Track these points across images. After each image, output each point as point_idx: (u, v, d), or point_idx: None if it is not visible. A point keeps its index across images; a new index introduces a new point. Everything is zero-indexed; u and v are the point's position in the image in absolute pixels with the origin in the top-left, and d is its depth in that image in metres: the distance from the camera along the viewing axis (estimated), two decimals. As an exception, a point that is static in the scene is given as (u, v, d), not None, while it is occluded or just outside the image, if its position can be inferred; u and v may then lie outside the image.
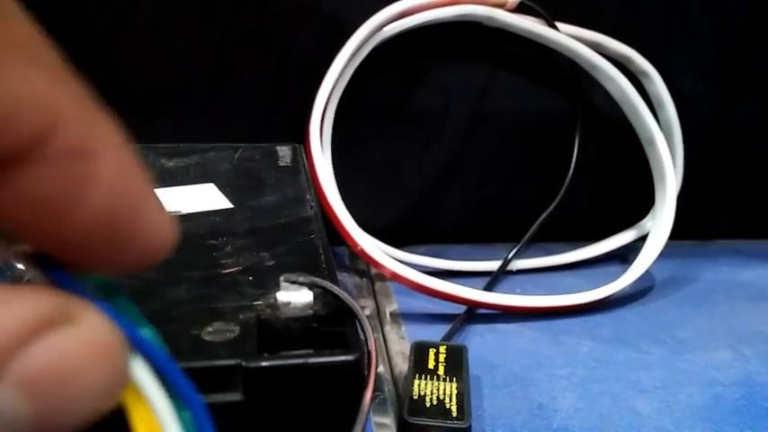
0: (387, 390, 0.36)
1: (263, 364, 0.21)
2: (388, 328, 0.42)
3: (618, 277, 0.46)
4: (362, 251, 0.43)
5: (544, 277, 0.49)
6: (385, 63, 0.49)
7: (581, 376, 0.37)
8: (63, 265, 0.12)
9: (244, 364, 0.21)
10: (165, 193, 0.35)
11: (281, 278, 0.24)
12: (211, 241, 0.30)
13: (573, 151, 0.52)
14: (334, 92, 0.46)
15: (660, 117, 0.50)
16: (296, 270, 0.25)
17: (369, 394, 0.22)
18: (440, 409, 0.31)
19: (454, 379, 0.33)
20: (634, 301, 0.46)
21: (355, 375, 0.22)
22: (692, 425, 0.34)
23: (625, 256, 0.51)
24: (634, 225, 0.53)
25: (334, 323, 0.24)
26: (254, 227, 0.32)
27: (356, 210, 0.45)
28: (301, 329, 0.23)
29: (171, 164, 0.39)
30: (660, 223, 0.48)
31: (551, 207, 0.51)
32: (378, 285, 0.47)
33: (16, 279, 0.13)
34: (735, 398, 0.36)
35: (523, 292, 0.45)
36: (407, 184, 0.52)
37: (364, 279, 0.48)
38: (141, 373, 0.12)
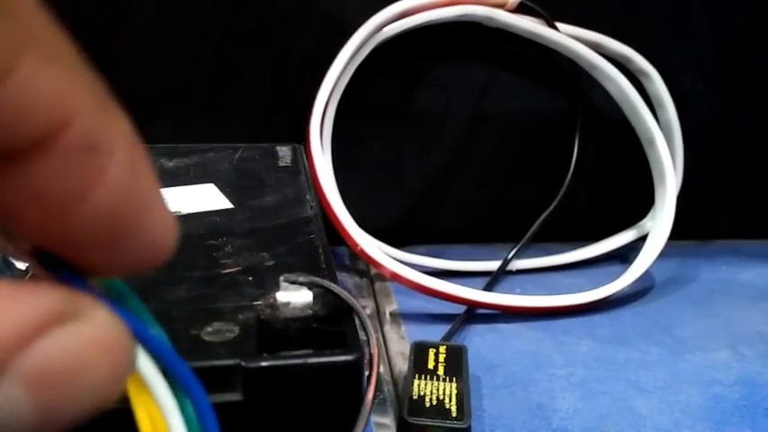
0: (386, 390, 0.36)
1: (263, 364, 0.22)
2: (387, 328, 0.42)
3: (618, 277, 0.46)
4: (362, 251, 0.43)
5: (544, 277, 0.49)
6: (385, 63, 0.49)
7: (581, 376, 0.37)
8: (66, 263, 0.12)
9: (243, 364, 0.21)
10: (165, 193, 0.35)
11: (281, 278, 0.24)
12: (211, 241, 0.30)
13: (573, 151, 0.52)
14: (335, 92, 0.46)
15: (660, 117, 0.50)
16: (296, 270, 0.25)
17: (371, 390, 0.22)
18: (439, 409, 0.31)
19: (454, 379, 0.33)
20: (634, 301, 0.46)
21: (355, 375, 0.22)
22: (692, 425, 0.34)
23: (625, 256, 0.51)
24: (634, 225, 0.53)
25: (333, 323, 0.24)
26: (254, 227, 0.32)
27: (356, 210, 0.45)
28: (301, 329, 0.23)
29: (171, 164, 0.39)
30: (660, 223, 0.48)
31: (551, 207, 0.51)
32: (377, 285, 0.47)
33: (16, 276, 0.13)
34: (734, 398, 0.36)
35: (523, 292, 0.45)
36: (407, 184, 0.52)
37: (364, 279, 0.48)
38: (144, 364, 0.12)
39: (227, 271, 0.27)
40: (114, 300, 0.12)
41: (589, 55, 0.48)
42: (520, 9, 0.48)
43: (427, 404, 0.31)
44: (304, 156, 0.43)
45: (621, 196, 0.54)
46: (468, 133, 0.51)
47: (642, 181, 0.50)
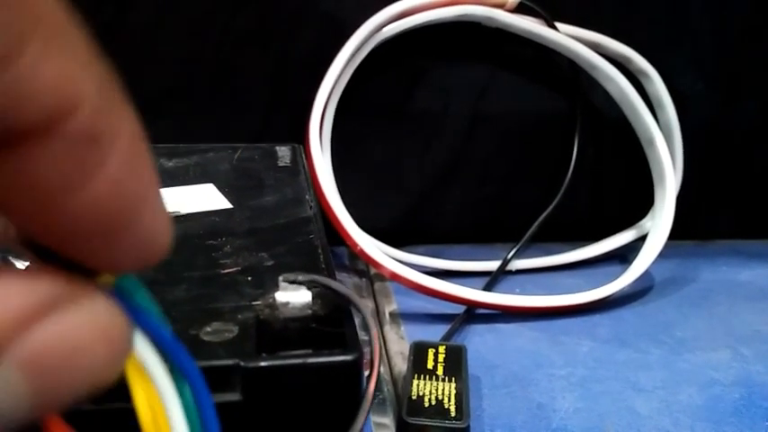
0: (386, 390, 0.36)
1: (262, 364, 0.22)
2: (387, 328, 0.42)
3: (617, 277, 0.46)
4: (362, 251, 0.43)
5: (543, 277, 0.49)
6: (385, 63, 0.49)
7: (580, 376, 0.37)
8: (62, 256, 0.12)
9: (242, 364, 0.21)
10: (165, 193, 0.35)
11: (280, 278, 0.24)
12: (210, 241, 0.30)
13: (573, 151, 0.52)
14: (334, 92, 0.46)
15: (660, 117, 0.50)
16: (295, 270, 0.25)
17: (372, 383, 0.22)
18: (438, 409, 0.31)
19: (453, 379, 0.33)
20: (633, 301, 0.46)
21: (354, 375, 0.22)
22: (692, 425, 0.34)
23: (624, 256, 0.51)
24: (633, 225, 0.53)
25: (332, 323, 0.24)
26: (254, 227, 0.32)
27: (356, 210, 0.45)
28: (300, 329, 0.23)
29: (171, 164, 0.39)
30: (660, 223, 0.48)
31: (551, 207, 0.51)
32: (377, 285, 0.47)
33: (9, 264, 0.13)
34: (734, 398, 0.36)
35: (523, 292, 0.45)
36: (407, 184, 0.52)
37: (363, 279, 0.48)
38: (143, 350, 0.13)
39: (226, 271, 0.27)
40: (114, 289, 0.12)
41: (589, 55, 0.48)
42: (519, 9, 0.48)
43: (426, 404, 0.31)
44: (303, 156, 0.43)
45: (621, 196, 0.54)
46: (467, 133, 0.51)
47: (642, 181, 0.50)
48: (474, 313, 0.43)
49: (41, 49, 0.10)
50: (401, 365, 0.38)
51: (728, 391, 0.36)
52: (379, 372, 0.23)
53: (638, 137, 0.50)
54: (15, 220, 0.12)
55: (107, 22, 0.45)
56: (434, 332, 0.40)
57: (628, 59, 0.49)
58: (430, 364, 0.34)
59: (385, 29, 0.46)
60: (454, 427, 0.30)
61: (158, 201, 0.12)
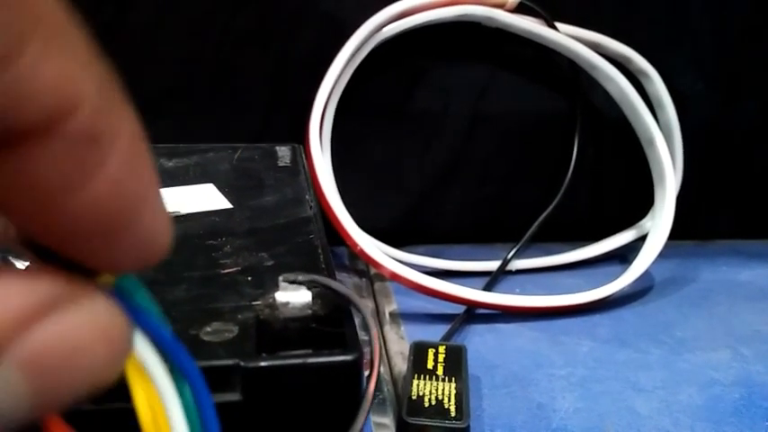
0: (386, 390, 0.36)
1: (262, 364, 0.22)
2: (387, 328, 0.42)
3: (617, 277, 0.46)
4: (362, 251, 0.43)
5: (543, 277, 0.49)
6: (385, 63, 0.49)
7: (580, 376, 0.37)
8: (62, 257, 0.12)
9: (242, 364, 0.21)
10: (165, 193, 0.35)
11: (280, 278, 0.24)
12: (210, 241, 0.30)
13: (573, 151, 0.52)
14: (334, 92, 0.46)
15: (660, 117, 0.50)
16: (295, 270, 0.25)
17: (373, 381, 0.22)
18: (438, 409, 0.31)
19: (453, 379, 0.33)
20: (633, 301, 0.46)
21: (354, 375, 0.22)
22: (692, 425, 0.34)
23: (624, 256, 0.51)
24: (633, 225, 0.53)
25: (332, 323, 0.24)
26: (254, 227, 0.32)
27: (356, 210, 0.45)
28: (300, 329, 0.23)
29: (170, 164, 0.39)
30: (660, 223, 0.48)
31: (551, 207, 0.51)
32: (377, 285, 0.47)
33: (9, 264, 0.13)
34: (734, 398, 0.36)
35: (523, 292, 0.45)
36: (407, 184, 0.52)
37: (363, 279, 0.48)
38: (143, 350, 0.13)
39: (226, 271, 0.27)
40: (114, 289, 0.12)
41: (589, 55, 0.48)
42: (519, 9, 0.48)
43: (426, 404, 0.31)
44: (303, 156, 0.43)
45: (621, 196, 0.54)
46: (467, 133, 0.51)
47: (642, 181, 0.50)
48: (474, 313, 0.43)
49: (41, 49, 0.10)
50: (401, 365, 0.38)
51: (728, 391, 0.36)
52: (379, 372, 0.23)
53: (638, 137, 0.50)
54: (15, 220, 0.12)
55: (107, 22, 0.45)
56: (434, 332, 0.40)
57: (628, 59, 0.49)
58: (430, 364, 0.34)
59: (385, 29, 0.46)
60: (454, 427, 0.30)
61: (158, 201, 0.12)
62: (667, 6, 0.50)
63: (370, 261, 0.44)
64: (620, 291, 0.45)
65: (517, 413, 0.34)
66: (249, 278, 0.27)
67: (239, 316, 0.24)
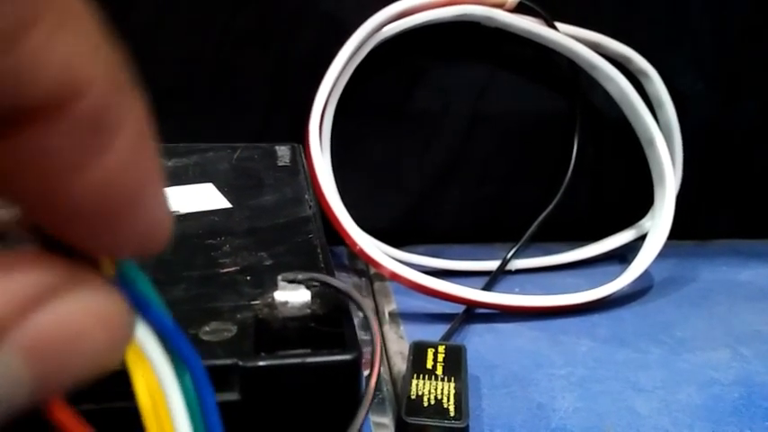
0: (385, 389, 0.36)
1: (261, 363, 0.22)
2: (386, 327, 0.42)
3: (617, 277, 0.46)
4: (361, 251, 0.43)
5: (543, 277, 0.49)
6: (385, 63, 0.49)
7: (580, 376, 0.37)
8: (63, 242, 0.12)
9: (241, 363, 0.21)
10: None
11: (279, 277, 0.24)
12: (210, 241, 0.30)
13: (572, 151, 0.52)
14: (334, 92, 0.46)
15: (660, 117, 0.50)
16: (294, 270, 0.25)
17: (373, 384, 0.22)
18: (437, 408, 0.31)
19: (452, 379, 0.33)
20: (633, 300, 0.46)
21: (353, 375, 0.22)
22: (691, 424, 0.34)
23: (624, 255, 0.51)
24: (633, 225, 0.53)
25: (331, 323, 0.24)
26: (253, 226, 0.32)
27: (355, 209, 0.45)
28: (299, 329, 0.23)
29: (170, 164, 0.39)
30: (659, 223, 0.48)
31: (550, 207, 0.51)
32: (377, 285, 0.47)
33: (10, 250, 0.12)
34: (734, 398, 0.36)
35: (522, 292, 0.45)
36: (407, 183, 0.52)
37: (363, 279, 0.48)
38: (142, 333, 0.13)
39: (225, 270, 0.27)
40: (116, 277, 0.12)
41: (588, 55, 0.48)
42: (519, 9, 0.48)
43: (425, 404, 0.31)
44: (303, 155, 0.43)
45: (621, 196, 0.54)
46: (467, 133, 0.51)
47: (642, 181, 0.50)
48: (473, 313, 0.43)
49: (53, 28, 0.10)
50: (400, 365, 0.38)
51: (728, 391, 0.36)
52: (379, 371, 0.23)
53: (638, 137, 0.50)
54: (20, 202, 0.12)
55: (107, 22, 0.45)
56: (434, 332, 0.40)
57: (628, 59, 0.49)
58: (429, 364, 0.34)
59: (385, 29, 0.46)
60: (453, 427, 0.30)
61: (161, 188, 0.12)
62: (667, 6, 0.50)
63: (369, 261, 0.44)
64: (620, 290, 0.45)
65: (517, 413, 0.34)
66: (248, 278, 0.27)
67: (238, 315, 0.24)
